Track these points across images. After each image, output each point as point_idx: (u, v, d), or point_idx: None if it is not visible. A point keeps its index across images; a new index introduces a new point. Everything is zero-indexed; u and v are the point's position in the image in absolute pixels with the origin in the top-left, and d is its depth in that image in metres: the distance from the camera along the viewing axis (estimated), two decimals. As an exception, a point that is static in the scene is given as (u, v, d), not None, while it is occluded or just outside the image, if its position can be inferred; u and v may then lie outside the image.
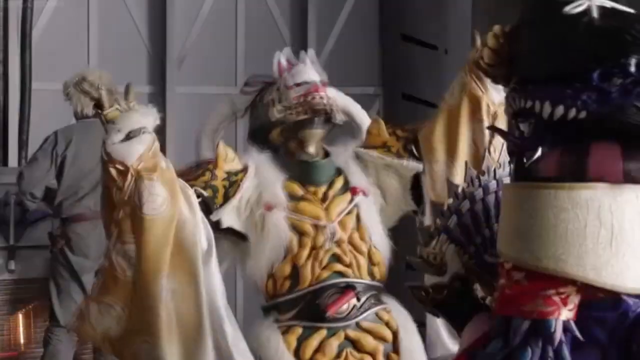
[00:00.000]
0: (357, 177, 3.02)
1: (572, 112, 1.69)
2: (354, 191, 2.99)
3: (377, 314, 2.97)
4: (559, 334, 1.67)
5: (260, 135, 3.05)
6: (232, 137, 6.45)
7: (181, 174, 2.86)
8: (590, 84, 1.68)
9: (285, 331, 2.92)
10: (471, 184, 2.09)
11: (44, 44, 6.05)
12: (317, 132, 3.00)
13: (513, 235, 1.73)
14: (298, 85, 2.97)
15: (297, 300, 2.93)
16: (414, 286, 2.10)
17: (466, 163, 2.18)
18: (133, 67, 6.37)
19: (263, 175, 2.95)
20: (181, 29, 6.45)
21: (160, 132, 7.15)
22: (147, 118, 2.77)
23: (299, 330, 2.92)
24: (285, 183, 2.95)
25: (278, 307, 2.94)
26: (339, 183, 3.01)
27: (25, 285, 5.34)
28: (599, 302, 1.69)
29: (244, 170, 2.95)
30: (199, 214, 2.78)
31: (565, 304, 1.68)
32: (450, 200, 2.11)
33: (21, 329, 5.41)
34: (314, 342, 2.91)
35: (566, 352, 1.67)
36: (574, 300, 1.68)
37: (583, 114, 1.68)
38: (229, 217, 2.91)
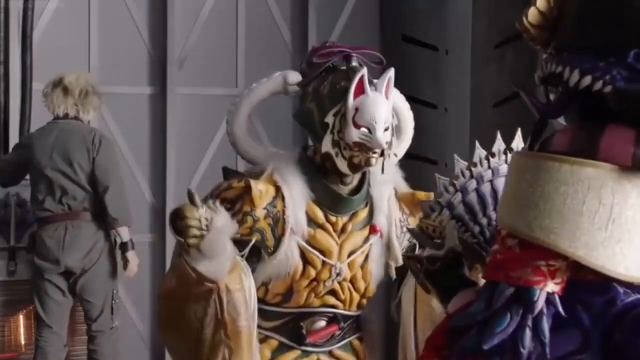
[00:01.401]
0: (382, 217, 2.91)
1: (598, 84, 1.68)
2: (373, 229, 2.89)
3: (351, 343, 2.95)
4: (540, 304, 1.66)
5: (307, 128, 2.89)
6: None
7: None
8: (625, 61, 1.67)
9: (262, 340, 2.88)
10: (480, 165, 2.08)
11: (44, 45, 6.05)
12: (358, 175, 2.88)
13: (511, 202, 1.72)
14: (364, 128, 2.74)
15: (282, 315, 2.90)
16: (409, 256, 2.08)
17: (476, 143, 2.15)
18: (134, 68, 6.37)
19: (289, 194, 2.81)
20: (182, 30, 6.45)
21: (161, 133, 7.20)
22: (227, 231, 2.58)
23: (275, 344, 2.90)
24: (309, 204, 2.83)
25: (264, 313, 2.89)
26: (362, 215, 2.89)
27: (26, 286, 5.34)
28: (587, 284, 1.68)
29: (279, 194, 2.80)
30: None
31: (552, 276, 1.67)
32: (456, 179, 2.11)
33: (22, 329, 5.41)
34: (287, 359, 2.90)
35: (545, 323, 1.66)
36: (563, 275, 1.67)
37: (608, 89, 1.67)
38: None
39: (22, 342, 5.41)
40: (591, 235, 1.64)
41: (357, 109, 2.74)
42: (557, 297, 1.67)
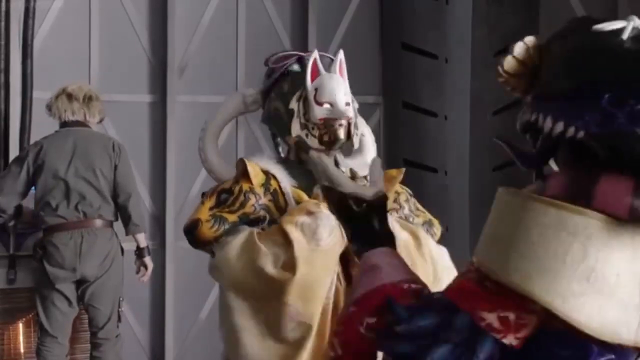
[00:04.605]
0: None
1: (571, 131, 1.61)
2: None
3: None
4: (486, 355, 1.58)
5: (276, 125, 3.04)
6: (232, 140, 6.47)
7: (223, 207, 2.86)
8: (598, 106, 1.60)
9: None
10: None
11: (45, 53, 6.06)
12: (331, 156, 2.98)
13: (491, 242, 1.65)
14: (326, 104, 2.92)
15: None
16: (330, 188, 1.94)
17: None
18: (134, 76, 6.38)
19: (278, 174, 2.95)
20: (182, 38, 6.46)
21: (161, 141, 7.19)
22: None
23: None
24: (293, 189, 2.94)
25: None
26: None
27: (26, 294, 5.33)
28: (558, 336, 1.60)
29: (269, 175, 2.93)
30: None
31: (517, 331, 1.59)
32: None
33: (21, 338, 5.39)
34: None
35: None
36: (528, 330, 1.60)
37: (581, 134, 1.60)
38: None
39: (22, 350, 5.40)
40: (570, 285, 1.56)
41: (316, 89, 2.93)
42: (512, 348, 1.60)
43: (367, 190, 1.89)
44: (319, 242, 2.75)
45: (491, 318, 1.59)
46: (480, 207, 6.03)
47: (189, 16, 6.48)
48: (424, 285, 1.75)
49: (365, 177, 2.88)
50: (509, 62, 1.73)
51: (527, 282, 1.57)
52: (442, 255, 2.97)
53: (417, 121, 6.51)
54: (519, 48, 1.73)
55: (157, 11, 6.43)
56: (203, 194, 3.05)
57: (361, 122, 3.18)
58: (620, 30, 1.64)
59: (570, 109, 1.63)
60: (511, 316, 1.59)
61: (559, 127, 1.63)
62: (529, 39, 1.73)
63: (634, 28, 1.65)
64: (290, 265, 2.72)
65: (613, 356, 1.59)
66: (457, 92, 6.30)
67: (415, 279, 1.76)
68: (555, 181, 1.66)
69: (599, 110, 1.60)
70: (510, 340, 1.59)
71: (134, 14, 6.37)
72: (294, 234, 2.76)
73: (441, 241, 3.13)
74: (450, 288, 1.68)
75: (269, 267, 2.73)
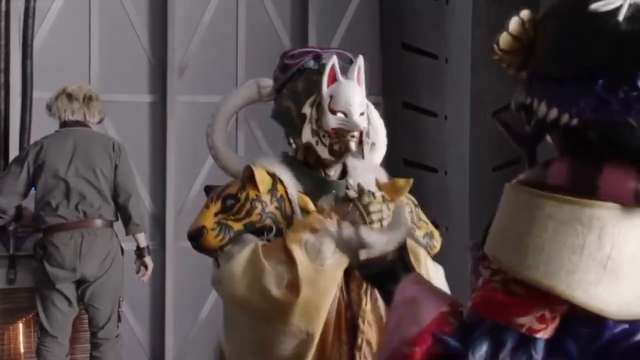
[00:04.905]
0: None
1: (565, 117, 1.61)
2: None
3: None
4: (542, 354, 1.61)
5: (285, 125, 2.97)
6: (232, 140, 6.47)
7: (228, 215, 2.81)
8: (593, 91, 1.58)
9: None
10: None
11: (45, 53, 6.06)
12: (340, 163, 2.94)
13: (505, 240, 1.63)
14: (340, 113, 2.84)
15: None
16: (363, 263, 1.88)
17: None
18: (134, 76, 6.38)
19: (285, 177, 2.89)
20: (182, 38, 6.46)
21: (161, 141, 7.19)
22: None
23: None
24: (299, 195, 2.89)
25: None
26: None
27: (26, 294, 5.33)
28: (577, 316, 1.62)
29: (276, 179, 2.87)
30: None
31: (553, 322, 1.62)
32: None
33: (21, 338, 5.39)
34: None
35: None
36: (559, 319, 1.62)
37: (575, 121, 1.60)
38: None
39: (22, 350, 5.40)
40: (589, 276, 1.57)
41: (331, 96, 2.84)
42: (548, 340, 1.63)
43: (392, 239, 1.86)
44: (323, 263, 2.70)
45: (528, 321, 1.61)
46: (480, 207, 6.03)
47: (189, 16, 6.48)
48: (456, 300, 1.74)
49: (373, 193, 2.84)
50: (504, 39, 1.70)
51: (547, 278, 1.58)
52: (437, 273, 2.95)
53: (417, 121, 6.51)
54: (514, 24, 1.70)
55: (157, 11, 6.43)
56: (206, 188, 3.01)
57: (376, 117, 3.14)
58: (616, 10, 1.60)
59: (564, 94, 1.61)
60: (546, 313, 1.61)
61: (553, 113, 1.62)
62: (525, 14, 1.70)
63: (630, 5, 1.61)
64: (294, 285, 2.69)
65: (627, 325, 1.63)
66: (457, 92, 6.30)
67: (450, 300, 1.75)
68: (557, 169, 1.63)
69: (593, 96, 1.58)
70: (549, 333, 1.62)
71: (134, 14, 6.37)
72: (298, 254, 2.71)
73: (441, 242, 3.14)
74: (479, 302, 1.66)
75: (274, 287, 2.68)
